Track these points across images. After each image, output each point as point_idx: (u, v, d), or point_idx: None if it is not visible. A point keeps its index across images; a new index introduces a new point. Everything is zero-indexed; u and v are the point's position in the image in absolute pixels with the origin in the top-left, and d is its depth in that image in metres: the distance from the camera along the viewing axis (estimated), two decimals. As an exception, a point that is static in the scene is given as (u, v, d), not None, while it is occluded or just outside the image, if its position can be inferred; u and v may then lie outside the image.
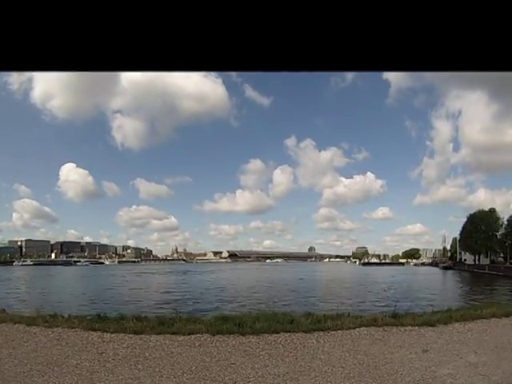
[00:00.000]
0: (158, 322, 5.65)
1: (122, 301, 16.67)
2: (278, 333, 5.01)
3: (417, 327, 5.41)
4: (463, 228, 66.78)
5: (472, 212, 65.00)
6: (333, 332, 5.10)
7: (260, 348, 4.48)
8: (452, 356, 4.25)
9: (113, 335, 4.93)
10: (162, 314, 6.76)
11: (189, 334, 4.92)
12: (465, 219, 67.03)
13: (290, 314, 6.24)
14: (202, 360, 4.07)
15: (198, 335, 4.92)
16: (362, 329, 5.27)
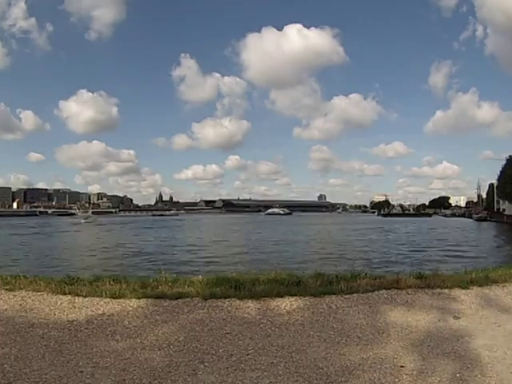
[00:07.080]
0: (140, 283, 5.72)
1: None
2: (281, 297, 5.08)
3: (447, 290, 5.49)
4: (501, 172, 66.64)
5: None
6: (347, 296, 5.17)
7: (261, 315, 4.55)
8: (488, 324, 4.33)
9: (86, 299, 5.00)
10: (145, 275, 6.86)
11: (176, 299, 4.99)
12: (503, 157, 66.38)
13: (295, 274, 6.32)
14: (192, 329, 4.14)
15: (188, 299, 4.99)
16: (381, 292, 5.35)
